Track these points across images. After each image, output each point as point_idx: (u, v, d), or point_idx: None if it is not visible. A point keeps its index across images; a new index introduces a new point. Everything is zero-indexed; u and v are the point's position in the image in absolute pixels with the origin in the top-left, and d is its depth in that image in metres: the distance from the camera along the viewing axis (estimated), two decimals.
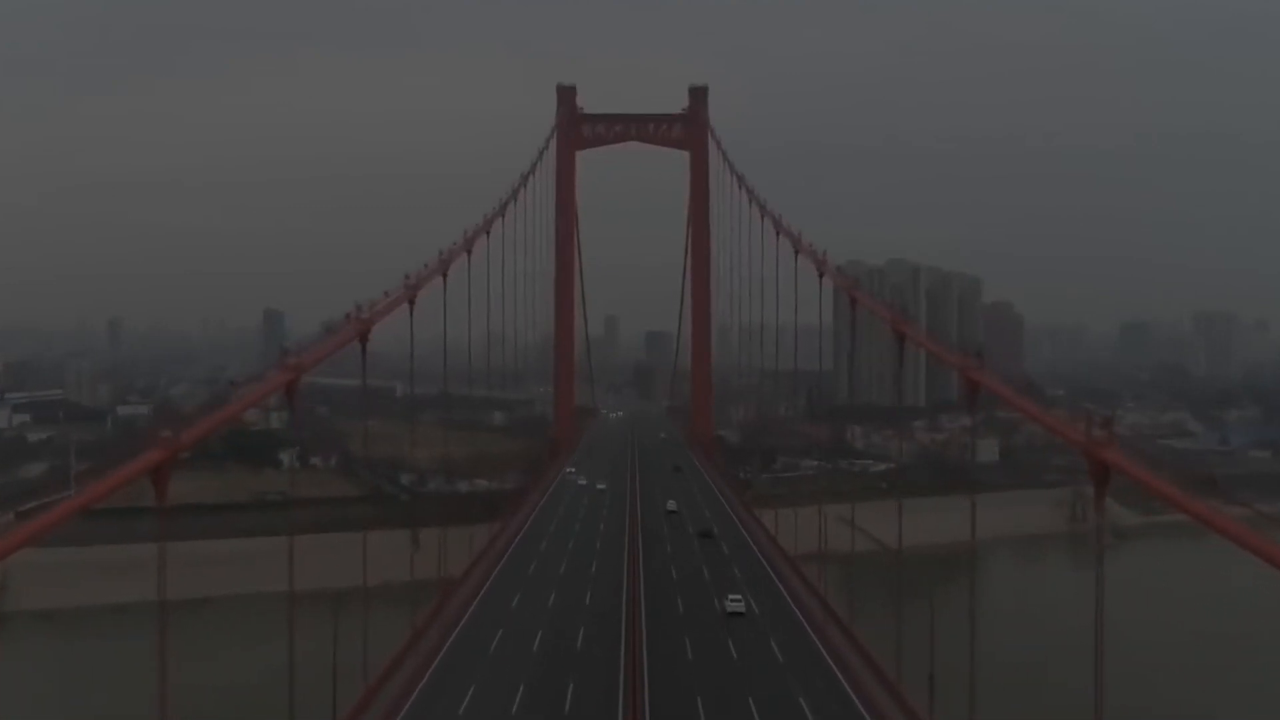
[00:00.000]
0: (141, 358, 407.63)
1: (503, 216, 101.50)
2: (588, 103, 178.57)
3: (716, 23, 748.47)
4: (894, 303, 57.23)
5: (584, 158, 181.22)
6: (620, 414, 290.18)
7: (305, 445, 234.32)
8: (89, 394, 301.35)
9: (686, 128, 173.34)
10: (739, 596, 75.72)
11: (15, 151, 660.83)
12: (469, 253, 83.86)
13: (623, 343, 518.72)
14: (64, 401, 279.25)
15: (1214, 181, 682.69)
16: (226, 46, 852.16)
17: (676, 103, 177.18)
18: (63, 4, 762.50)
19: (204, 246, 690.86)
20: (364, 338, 53.80)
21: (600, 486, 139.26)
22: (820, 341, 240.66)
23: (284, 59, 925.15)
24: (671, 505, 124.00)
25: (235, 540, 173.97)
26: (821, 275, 73.84)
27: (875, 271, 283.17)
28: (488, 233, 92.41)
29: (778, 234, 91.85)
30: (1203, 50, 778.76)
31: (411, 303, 64.22)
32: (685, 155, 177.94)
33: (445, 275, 74.10)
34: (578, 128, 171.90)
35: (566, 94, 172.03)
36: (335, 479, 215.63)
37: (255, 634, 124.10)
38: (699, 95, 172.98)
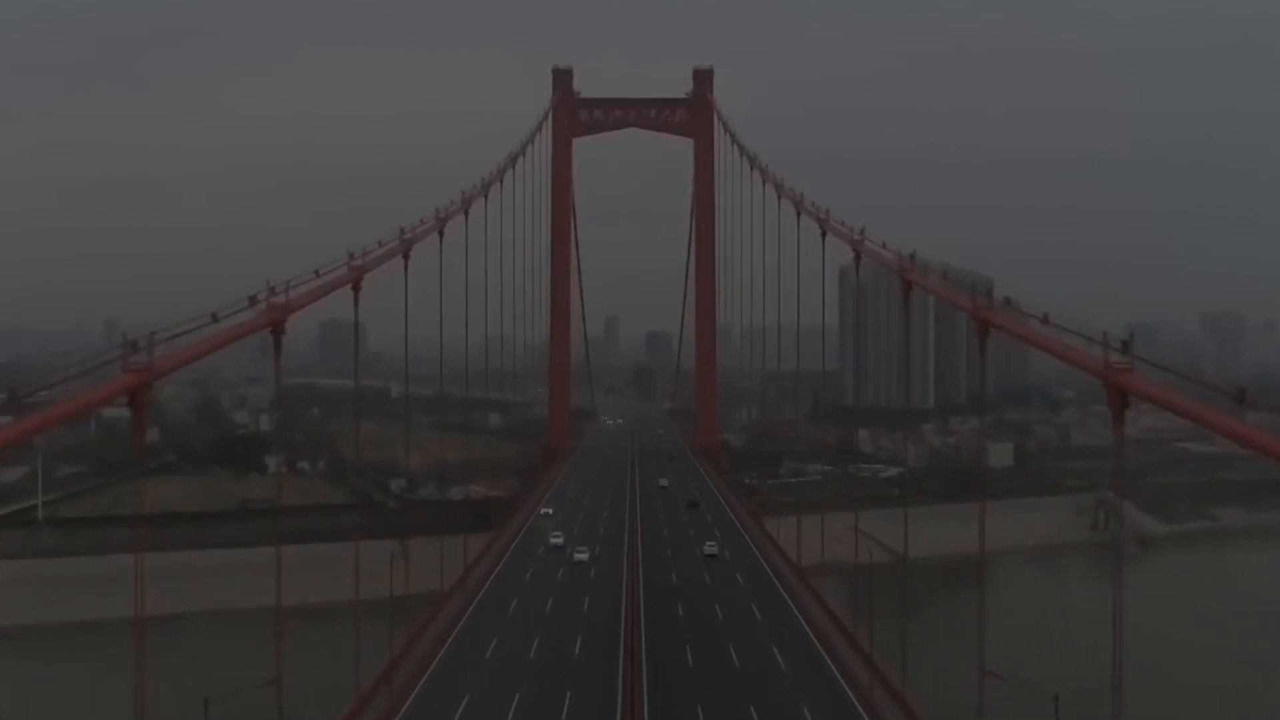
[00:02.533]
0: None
1: (485, 197, 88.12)
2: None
3: (717, 25, 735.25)
4: (973, 287, 42.86)
5: (584, 157, 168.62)
6: (619, 421, 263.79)
7: (293, 449, 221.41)
8: (76, 395, 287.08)
9: (690, 113, 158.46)
10: (713, 542, 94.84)
11: (15, 153, 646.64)
12: (441, 234, 70.13)
13: (623, 343, 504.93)
14: (48, 403, 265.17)
15: (1219, 183, 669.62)
16: (229, 48, 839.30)
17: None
18: (62, 4, 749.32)
19: (202, 247, 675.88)
20: (278, 327, 39.98)
21: (580, 556, 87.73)
22: (857, 335, 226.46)
23: (287, 60, 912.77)
24: (663, 482, 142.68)
25: (214, 551, 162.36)
26: (859, 258, 59.97)
27: (882, 269, 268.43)
28: (466, 213, 78.88)
29: (798, 215, 78.27)
30: (1205, 56, 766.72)
31: (356, 287, 50.23)
32: (690, 144, 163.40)
33: (407, 256, 60.32)
34: (574, 113, 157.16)
35: (563, 77, 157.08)
36: (322, 485, 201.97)
37: (214, 655, 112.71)
38: (703, 78, 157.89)
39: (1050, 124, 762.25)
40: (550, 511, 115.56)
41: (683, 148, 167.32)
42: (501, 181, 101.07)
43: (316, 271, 45.73)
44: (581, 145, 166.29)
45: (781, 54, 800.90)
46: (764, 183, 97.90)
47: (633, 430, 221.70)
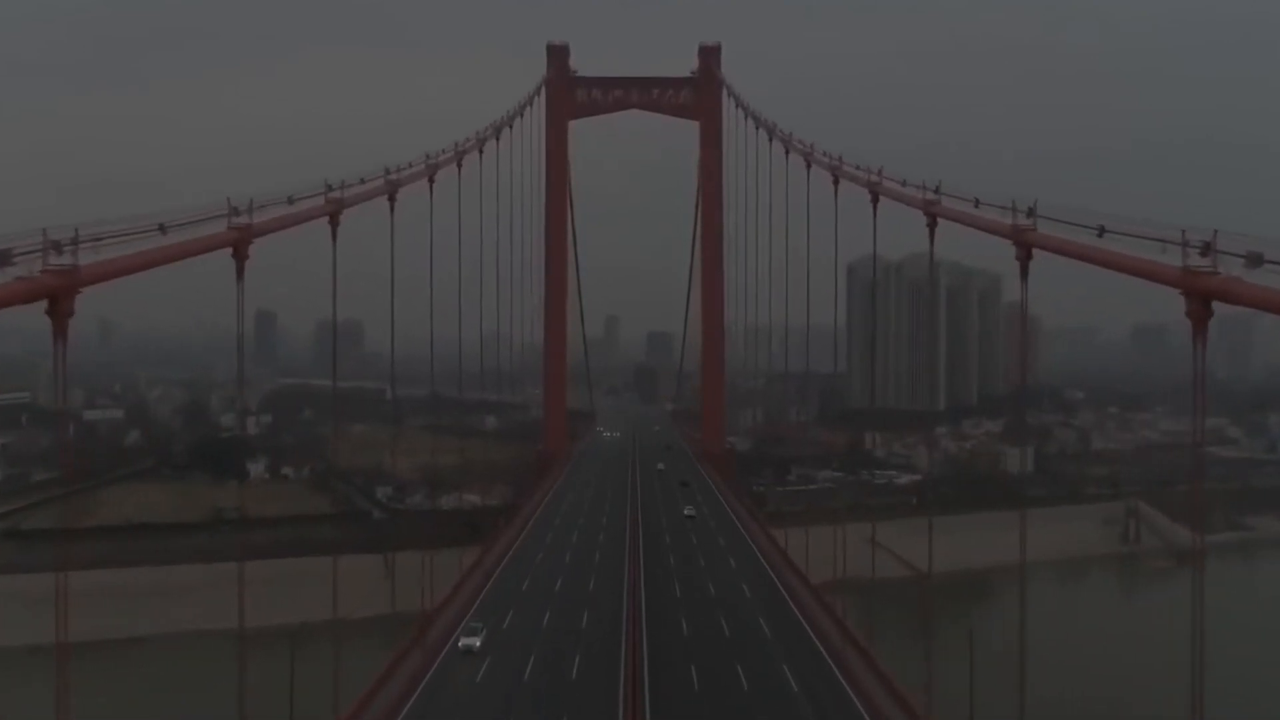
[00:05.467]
0: (129, 359, 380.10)
1: (458, 164, 72.38)
2: (592, 124, 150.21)
3: (719, 25, 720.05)
4: (1184, 235, 26.16)
5: (584, 158, 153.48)
6: (616, 434, 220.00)
7: (278, 454, 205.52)
8: (61, 396, 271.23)
9: (696, 92, 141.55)
10: (691, 505, 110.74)
11: (16, 153, 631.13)
12: (392, 200, 54.15)
13: (624, 344, 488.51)
14: (29, 405, 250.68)
15: (1219, 183, 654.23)
16: (229, 48, 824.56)
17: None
18: (62, 4, 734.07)
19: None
20: (58, 302, 24.05)
21: None
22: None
23: (287, 60, 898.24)
24: (660, 466, 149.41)
25: (185, 566, 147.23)
26: (933, 225, 44.06)
27: (891, 267, 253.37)
28: (431, 180, 62.92)
29: (835, 183, 62.28)
30: (1205, 56, 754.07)
31: (241, 253, 34.36)
32: (695, 129, 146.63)
33: (335, 220, 44.40)
34: (571, 92, 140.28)
35: (558, 53, 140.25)
36: (306, 493, 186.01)
37: (163, 683, 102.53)
38: (711, 55, 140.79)
39: (1051, 124, 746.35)
40: (475, 643, 57.94)
41: (686, 145, 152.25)
42: (482, 151, 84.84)
43: (162, 226, 29.39)
44: (581, 143, 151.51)
45: (782, 54, 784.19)
46: (786, 153, 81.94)
47: (634, 442, 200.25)
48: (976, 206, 39.93)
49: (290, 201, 40.07)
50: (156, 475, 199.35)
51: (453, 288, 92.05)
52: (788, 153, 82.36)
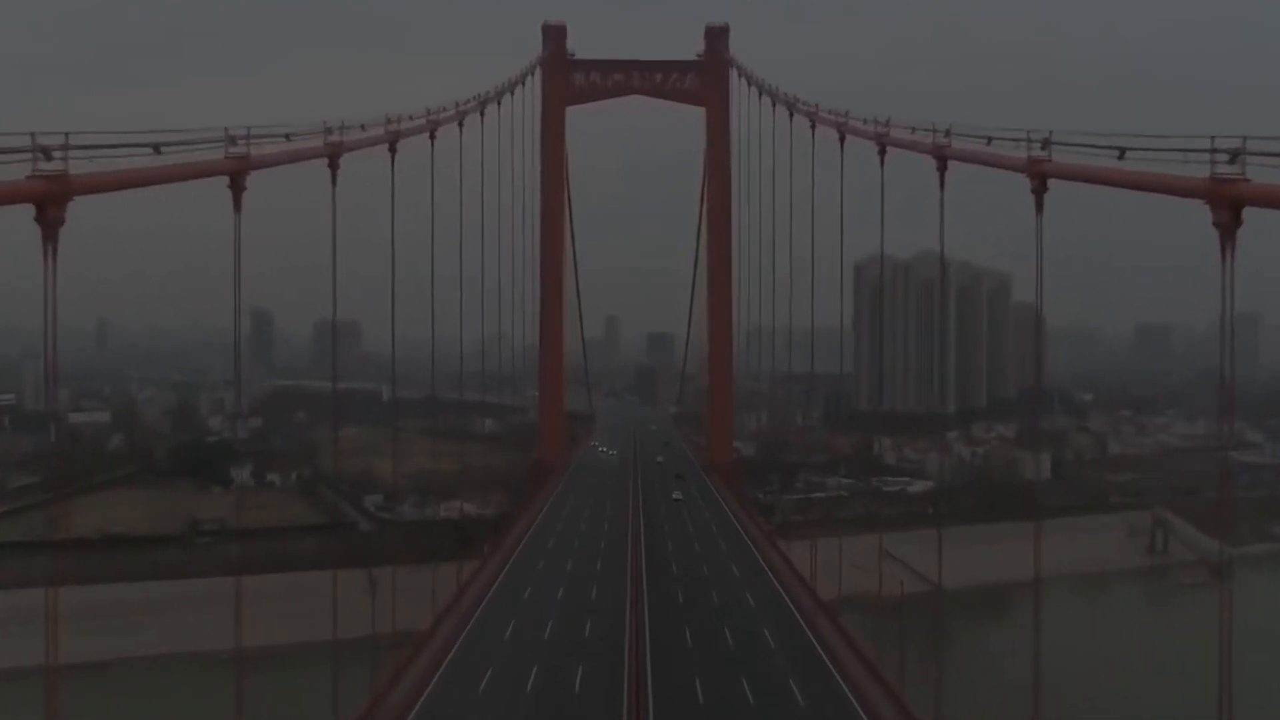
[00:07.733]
0: (125, 360, 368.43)
1: (431, 135, 60.61)
2: (591, 123, 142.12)
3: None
4: None
5: (582, 165, 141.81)
6: (613, 452, 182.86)
7: (265, 459, 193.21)
8: (51, 398, 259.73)
9: (702, 77, 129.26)
10: (679, 489, 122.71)
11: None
12: (331, 170, 42.00)
13: (624, 344, 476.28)
14: (12, 407, 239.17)
15: None
16: (229, 48, 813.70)
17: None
18: (62, 5, 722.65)
19: (196, 246, 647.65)
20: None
21: None
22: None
23: (287, 62, 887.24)
24: (659, 459, 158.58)
25: (158, 583, 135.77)
26: (883, 152, 33.61)
27: (900, 266, 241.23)
28: (392, 149, 50.93)
29: (881, 152, 50.34)
30: (1205, 56, 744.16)
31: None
32: (701, 116, 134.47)
33: (236, 185, 32.25)
34: (568, 76, 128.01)
35: (554, 34, 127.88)
36: (292, 501, 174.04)
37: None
38: (718, 36, 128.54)
39: (1053, 124, 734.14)
40: None
41: (689, 142, 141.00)
42: (462, 125, 72.91)
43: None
44: (580, 142, 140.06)
45: (776, 54, 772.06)
46: (813, 127, 69.70)
47: (635, 446, 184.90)
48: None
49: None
50: (138, 481, 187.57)
51: (452, 282, 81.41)
52: (814, 126, 70.19)
